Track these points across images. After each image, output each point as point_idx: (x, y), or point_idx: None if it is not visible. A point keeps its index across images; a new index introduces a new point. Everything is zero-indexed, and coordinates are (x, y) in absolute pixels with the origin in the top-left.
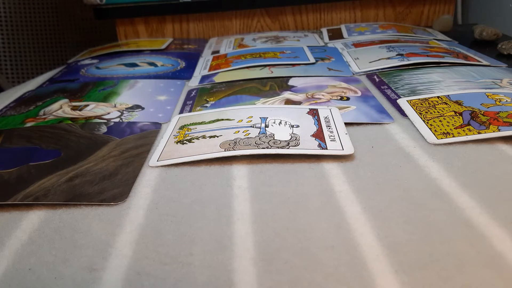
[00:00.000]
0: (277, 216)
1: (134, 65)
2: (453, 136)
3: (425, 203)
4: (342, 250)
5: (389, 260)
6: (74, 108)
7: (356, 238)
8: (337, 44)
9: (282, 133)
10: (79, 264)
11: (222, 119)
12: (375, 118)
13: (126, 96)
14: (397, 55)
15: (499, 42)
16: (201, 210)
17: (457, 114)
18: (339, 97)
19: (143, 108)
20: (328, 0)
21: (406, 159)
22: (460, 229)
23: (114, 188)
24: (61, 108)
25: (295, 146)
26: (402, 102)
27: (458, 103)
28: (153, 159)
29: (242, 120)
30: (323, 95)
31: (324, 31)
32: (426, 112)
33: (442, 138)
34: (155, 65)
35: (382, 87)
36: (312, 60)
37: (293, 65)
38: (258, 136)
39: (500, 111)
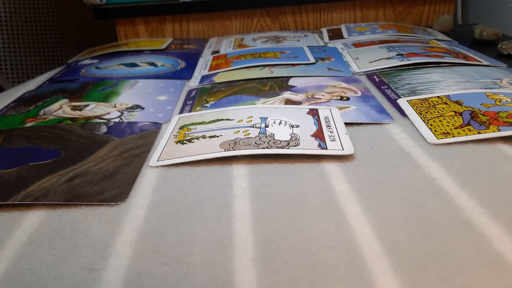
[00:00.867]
0: (277, 216)
1: (134, 65)
2: (453, 136)
3: (425, 203)
4: (342, 250)
5: (389, 260)
6: (74, 108)
7: (356, 238)
8: (337, 44)
9: (282, 133)
10: (79, 264)
11: (222, 119)
12: (375, 118)
13: (126, 96)
14: (397, 55)
15: (499, 42)
16: (201, 210)
17: (457, 114)
18: (339, 97)
19: (143, 108)
20: (328, 0)
21: (406, 159)
22: (460, 229)
23: (114, 188)
24: (61, 108)
25: (295, 146)
26: (402, 102)
27: (458, 103)
28: (153, 159)
29: (242, 120)
30: (323, 95)
31: (324, 31)
32: (426, 112)
33: (442, 138)
34: (155, 65)
35: (382, 87)
36: (312, 60)
37: (293, 65)
38: (258, 136)
39: (500, 111)
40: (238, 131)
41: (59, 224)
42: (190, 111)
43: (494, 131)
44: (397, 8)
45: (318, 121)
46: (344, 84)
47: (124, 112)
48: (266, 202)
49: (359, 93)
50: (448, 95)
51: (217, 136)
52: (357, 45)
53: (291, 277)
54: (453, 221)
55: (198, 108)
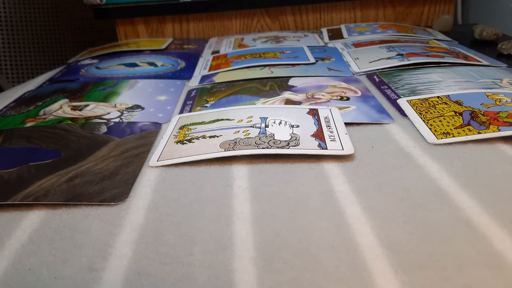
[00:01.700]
0: (277, 216)
1: (134, 65)
2: (453, 136)
3: (425, 203)
4: (342, 250)
5: (389, 260)
6: (74, 108)
7: (356, 238)
8: (337, 44)
9: (282, 133)
10: (79, 264)
11: (222, 119)
12: (375, 118)
13: (126, 96)
14: (397, 55)
15: (499, 42)
16: (201, 210)
17: (457, 114)
18: (339, 97)
19: (143, 108)
20: (328, 0)
21: (406, 159)
22: (460, 229)
23: (114, 188)
24: (61, 108)
25: (295, 146)
26: (402, 102)
27: (458, 103)
28: (153, 159)
29: (242, 120)
30: (323, 95)
31: (324, 31)
32: (426, 112)
33: (442, 138)
34: (155, 65)
35: (382, 87)
36: (312, 60)
37: (293, 65)
38: (258, 136)
39: (500, 111)
40: (238, 131)
41: (59, 224)
42: (190, 111)
43: (494, 131)
44: (397, 8)
45: (318, 121)
46: (344, 84)
47: (124, 112)
48: (266, 202)
49: (359, 93)
50: (448, 95)
51: (217, 136)
52: (357, 45)
53: (291, 277)
54: (453, 221)
55: (198, 108)
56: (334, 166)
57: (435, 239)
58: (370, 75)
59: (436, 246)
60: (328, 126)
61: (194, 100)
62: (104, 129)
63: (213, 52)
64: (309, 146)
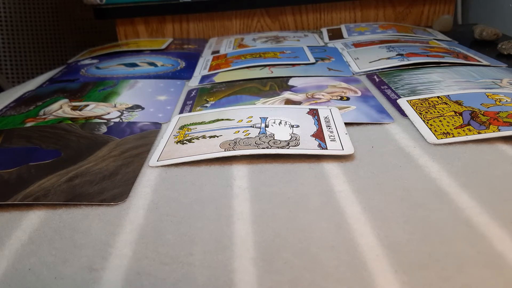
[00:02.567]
0: (277, 216)
1: (134, 65)
2: (453, 136)
3: (425, 203)
4: (342, 250)
5: (389, 260)
6: (74, 108)
7: (356, 238)
8: (337, 44)
9: (282, 133)
10: (79, 264)
11: (222, 119)
12: (375, 118)
13: (126, 96)
14: (397, 55)
15: (499, 42)
16: (201, 210)
17: (457, 114)
18: (339, 97)
19: (143, 108)
20: (328, 0)
21: (406, 159)
22: (460, 229)
23: (114, 188)
24: (61, 108)
25: (295, 146)
26: (402, 102)
27: (458, 103)
28: (153, 159)
29: (242, 120)
30: (323, 95)
31: (324, 31)
32: (426, 112)
33: (442, 138)
34: (155, 65)
35: (382, 87)
36: (312, 60)
37: (293, 65)
38: (258, 136)
39: (500, 111)
40: (238, 131)
41: (59, 224)
42: (190, 111)
43: (494, 131)
44: (397, 8)
45: (318, 121)
46: (344, 84)
47: (124, 112)
48: (266, 202)
49: (359, 93)
50: (448, 95)
51: (217, 136)
52: (357, 45)
53: (291, 277)
54: (453, 221)
55: (198, 108)
56: (334, 166)
57: (435, 239)
58: (370, 75)
59: (436, 246)
60: (328, 126)
61: (194, 100)
62: (104, 129)
63: (213, 52)
64: (309, 146)
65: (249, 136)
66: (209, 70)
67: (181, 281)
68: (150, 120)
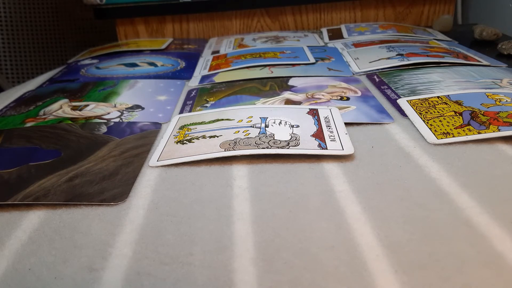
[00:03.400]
0: (277, 216)
1: (134, 65)
2: (453, 136)
3: (425, 203)
4: (342, 250)
5: (389, 260)
6: (74, 108)
7: (356, 238)
8: (337, 44)
9: (282, 133)
10: (79, 264)
11: (222, 119)
12: (375, 118)
13: (126, 96)
14: (397, 55)
15: (499, 42)
16: (201, 210)
17: (457, 114)
18: (339, 97)
19: (143, 108)
20: (328, 0)
21: (406, 159)
22: (460, 229)
23: (114, 188)
24: (61, 108)
25: (295, 146)
26: (402, 102)
27: (458, 103)
28: (153, 159)
29: (242, 120)
30: (323, 95)
31: (324, 31)
32: (426, 112)
33: (442, 138)
34: (155, 65)
35: (382, 87)
36: (312, 60)
37: (293, 65)
38: (258, 136)
39: (500, 111)
40: (238, 131)
41: (59, 224)
42: (190, 111)
43: (494, 131)
44: (397, 8)
45: (318, 121)
46: (344, 84)
47: (124, 112)
48: (266, 202)
49: (359, 93)
50: (448, 95)
51: (217, 136)
52: (357, 45)
53: (291, 277)
54: (453, 221)
55: (198, 108)
56: (334, 166)
57: (435, 239)
58: (370, 75)
59: (436, 246)
60: (328, 126)
61: (194, 100)
62: (104, 129)
63: (213, 52)
64: (309, 146)
65: (249, 136)
66: (209, 70)
67: (181, 281)
68: (150, 120)
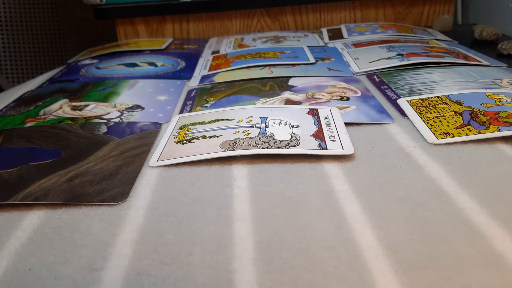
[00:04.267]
0: (277, 216)
1: (134, 65)
2: (453, 136)
3: (425, 203)
4: (342, 250)
5: (389, 260)
6: (74, 108)
7: (356, 238)
8: (337, 44)
9: (282, 133)
10: (79, 264)
11: (222, 119)
12: (375, 118)
13: (126, 96)
14: (397, 55)
15: (499, 42)
16: (201, 210)
17: (457, 114)
18: (339, 97)
19: (143, 108)
20: (328, 0)
21: (406, 159)
22: (460, 229)
23: (114, 188)
24: (61, 108)
25: (295, 146)
26: (402, 102)
27: (458, 103)
28: (153, 159)
29: (242, 120)
30: (323, 95)
31: (324, 31)
32: (426, 112)
33: (442, 138)
34: (155, 65)
35: (382, 87)
36: (312, 60)
37: (293, 65)
38: (258, 136)
39: (500, 111)
40: (238, 131)
41: (59, 224)
42: (190, 111)
43: (494, 131)
44: (397, 8)
45: (318, 121)
46: (344, 84)
47: (124, 112)
48: (266, 202)
49: (359, 93)
50: (448, 95)
51: (217, 136)
52: (357, 45)
53: (291, 277)
54: (453, 221)
55: (198, 108)
56: (334, 166)
57: (435, 239)
58: (370, 75)
59: (436, 246)
60: (328, 126)
61: (194, 100)
62: (104, 129)
63: (213, 52)
64: (309, 146)
65: (249, 136)
66: (209, 70)
67: (181, 281)
68: (150, 120)
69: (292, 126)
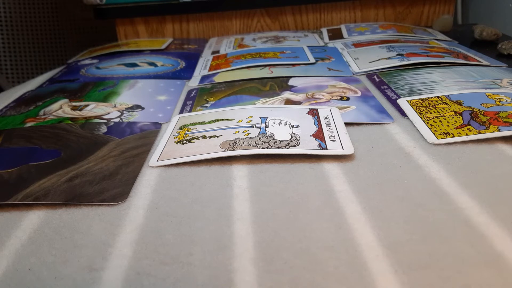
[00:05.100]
0: (277, 216)
1: (134, 65)
2: (453, 136)
3: (425, 203)
4: (342, 250)
5: (389, 260)
6: (74, 108)
7: (356, 238)
8: (337, 44)
9: (282, 133)
10: (79, 264)
11: (222, 119)
12: (375, 118)
13: (126, 96)
14: (397, 55)
15: (499, 42)
16: (201, 210)
17: (457, 114)
18: (339, 97)
19: (143, 108)
20: (328, 0)
21: (406, 159)
22: (460, 229)
23: (114, 188)
24: (61, 108)
25: (295, 146)
26: (402, 102)
27: (458, 103)
28: (153, 159)
29: (242, 120)
30: (323, 95)
31: (324, 31)
32: (426, 112)
33: (442, 138)
34: (155, 65)
35: (382, 87)
36: (312, 60)
37: (293, 65)
38: (258, 136)
39: (500, 111)
40: (238, 131)
41: (59, 224)
42: (190, 111)
43: (494, 131)
44: (397, 8)
45: (318, 121)
46: (344, 84)
47: (124, 112)
48: (266, 202)
49: (359, 93)
50: (448, 95)
51: (217, 136)
52: (357, 45)
53: (291, 277)
54: (453, 221)
55: (198, 108)
56: (334, 166)
57: (435, 239)
58: (370, 75)
59: (436, 246)
60: (328, 126)
61: (194, 100)
62: (104, 129)
63: (213, 52)
64: (309, 146)
65: (249, 136)
66: (209, 70)
67: (181, 281)
68: (150, 120)
69: (292, 126)
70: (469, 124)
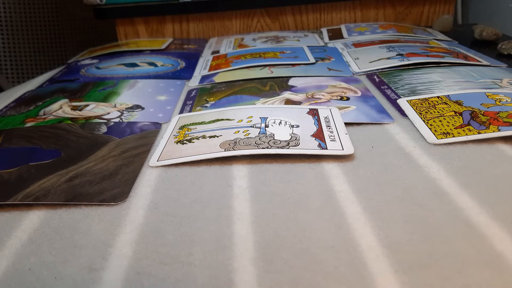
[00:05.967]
0: (277, 216)
1: (134, 65)
2: (453, 136)
3: (425, 203)
4: (342, 250)
5: (389, 260)
6: (74, 108)
7: (356, 238)
8: (337, 44)
9: (282, 133)
10: (79, 264)
11: (222, 119)
12: (375, 118)
13: (126, 96)
14: (397, 55)
15: (499, 42)
16: (201, 210)
17: (457, 114)
18: (339, 97)
19: (143, 108)
20: (328, 0)
21: (406, 159)
22: (460, 229)
23: (114, 188)
24: (61, 108)
25: (295, 146)
26: (402, 102)
27: (458, 103)
28: (153, 159)
29: (242, 120)
30: (323, 95)
31: (324, 31)
32: (426, 112)
33: (442, 138)
34: (155, 65)
35: (382, 87)
36: (312, 60)
37: (293, 65)
38: (258, 136)
39: (500, 111)
40: (238, 131)
41: (59, 224)
42: (190, 111)
43: (494, 131)
44: (397, 8)
45: (318, 121)
46: (344, 84)
47: (124, 112)
48: (266, 202)
49: (359, 93)
50: (448, 95)
51: (217, 136)
52: (357, 45)
53: (291, 277)
54: (453, 221)
55: (198, 108)
56: (334, 166)
57: (435, 239)
58: (370, 75)
59: (436, 246)
60: (328, 126)
61: (194, 100)
62: (104, 129)
63: (213, 52)
64: (309, 146)
65: (249, 136)
66: (209, 70)
67: (181, 281)
68: (150, 120)
69: (292, 126)
70: (469, 124)
